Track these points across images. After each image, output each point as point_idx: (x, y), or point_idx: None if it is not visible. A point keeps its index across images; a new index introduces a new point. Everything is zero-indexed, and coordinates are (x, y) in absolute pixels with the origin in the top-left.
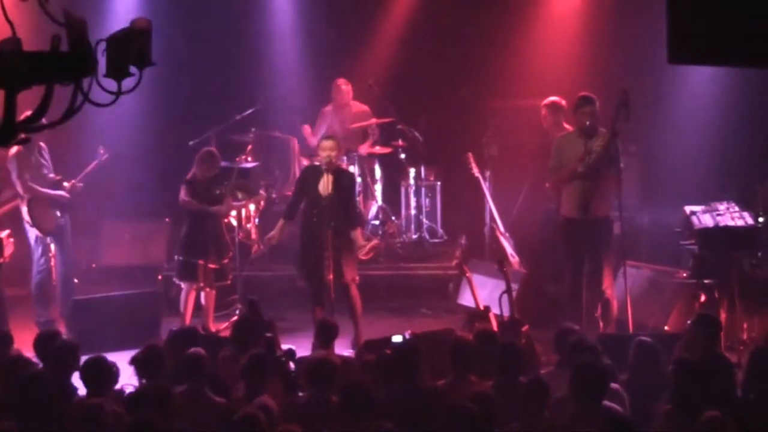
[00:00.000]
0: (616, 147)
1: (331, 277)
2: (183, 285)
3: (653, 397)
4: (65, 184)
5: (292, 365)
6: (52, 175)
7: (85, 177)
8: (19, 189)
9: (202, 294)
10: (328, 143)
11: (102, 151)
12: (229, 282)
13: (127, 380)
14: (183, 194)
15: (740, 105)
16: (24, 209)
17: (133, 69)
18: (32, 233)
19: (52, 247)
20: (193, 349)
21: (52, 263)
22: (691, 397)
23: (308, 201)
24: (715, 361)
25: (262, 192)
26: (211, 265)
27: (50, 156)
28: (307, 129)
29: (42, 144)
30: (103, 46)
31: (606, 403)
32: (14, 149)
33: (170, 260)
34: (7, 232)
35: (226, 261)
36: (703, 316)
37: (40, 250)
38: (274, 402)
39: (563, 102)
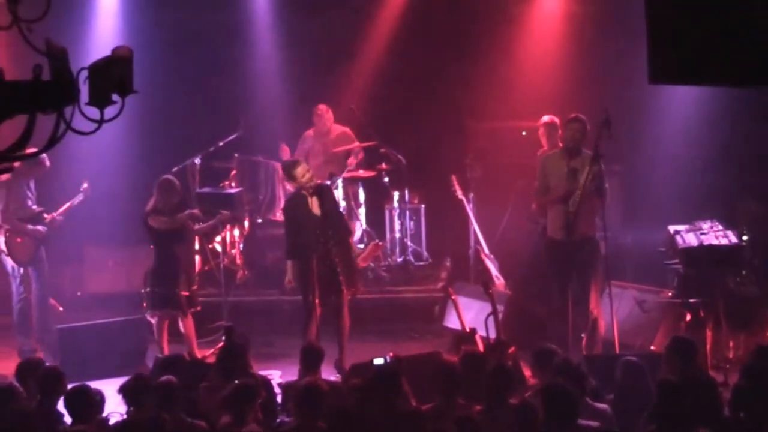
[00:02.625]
0: (600, 168)
1: (345, 293)
2: (155, 316)
3: (639, 416)
4: (45, 216)
5: (276, 389)
6: (35, 207)
7: (66, 211)
8: None
9: (180, 323)
10: (303, 168)
11: (86, 186)
12: (199, 308)
13: (113, 408)
14: (163, 222)
15: (722, 124)
16: (1, 239)
17: (115, 97)
18: (8, 263)
19: (31, 274)
20: (165, 377)
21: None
22: (673, 417)
23: (308, 228)
24: (697, 381)
25: (223, 212)
26: (183, 293)
27: (34, 184)
28: (285, 150)
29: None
30: (84, 74)
31: (582, 422)
32: (2, 178)
33: None
34: None
35: (194, 287)
36: (676, 339)
37: (18, 279)
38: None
39: (558, 120)
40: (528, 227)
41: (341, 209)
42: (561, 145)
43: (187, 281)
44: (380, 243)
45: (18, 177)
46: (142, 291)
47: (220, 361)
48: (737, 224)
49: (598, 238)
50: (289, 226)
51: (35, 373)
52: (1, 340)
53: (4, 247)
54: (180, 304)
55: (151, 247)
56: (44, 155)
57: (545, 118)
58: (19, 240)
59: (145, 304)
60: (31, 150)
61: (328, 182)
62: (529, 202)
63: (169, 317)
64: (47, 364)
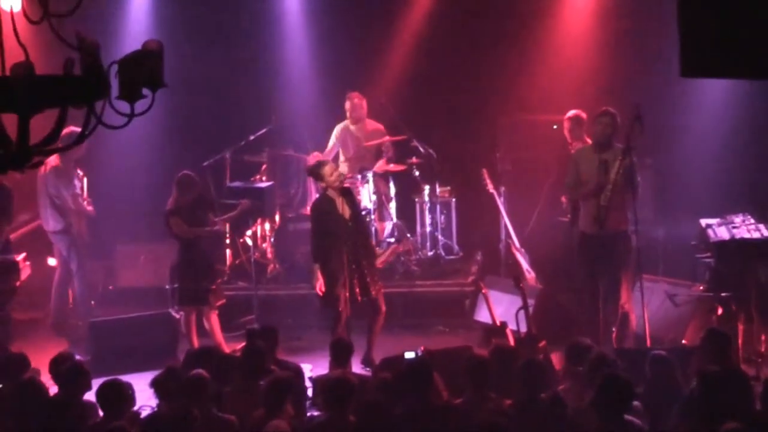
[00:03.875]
0: (632, 161)
1: (373, 292)
2: (182, 311)
3: (669, 410)
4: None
5: (307, 383)
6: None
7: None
8: (69, 201)
9: (204, 319)
10: (331, 167)
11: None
12: (224, 301)
13: (144, 402)
14: (179, 226)
15: (753, 117)
16: (70, 221)
17: (145, 91)
18: (69, 244)
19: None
20: (196, 371)
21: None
22: (712, 408)
23: (337, 229)
24: (731, 374)
25: (243, 201)
26: (211, 287)
27: None
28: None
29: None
30: (115, 68)
31: (627, 417)
32: (54, 164)
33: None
34: (23, 255)
35: (220, 281)
36: (711, 331)
37: (79, 259)
38: (287, 424)
39: (584, 115)
40: (558, 220)
41: (372, 203)
42: (587, 139)
43: (213, 275)
44: (400, 247)
45: (69, 160)
46: (168, 287)
47: (243, 363)
48: None
49: (629, 232)
50: (316, 229)
51: (62, 367)
52: (32, 334)
53: (75, 229)
54: (207, 298)
55: (175, 242)
56: None
57: (570, 113)
58: (82, 221)
59: (172, 300)
60: (68, 130)
61: (359, 177)
62: (560, 196)
63: (196, 311)
64: (77, 357)
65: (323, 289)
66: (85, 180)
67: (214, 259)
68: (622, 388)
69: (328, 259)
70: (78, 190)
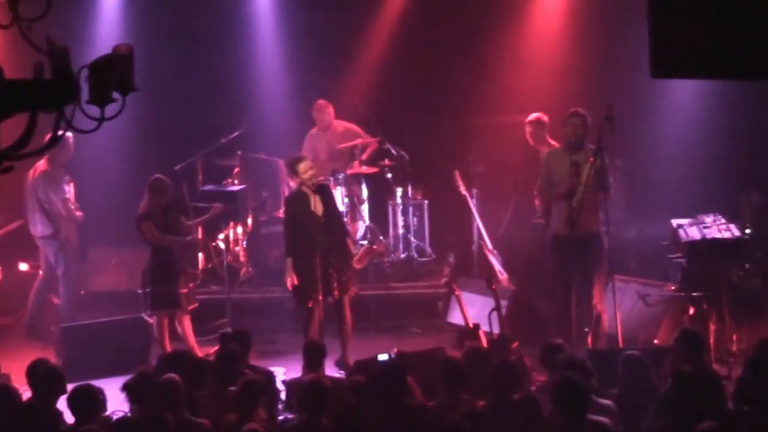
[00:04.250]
0: (603, 162)
1: (336, 293)
2: (155, 316)
3: (643, 410)
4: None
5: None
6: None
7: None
8: (58, 206)
9: (177, 322)
10: (306, 164)
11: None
12: (196, 305)
13: (116, 407)
14: (151, 232)
15: (723, 117)
16: (59, 226)
17: (115, 95)
18: (55, 248)
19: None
20: (168, 375)
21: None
22: (686, 408)
23: (308, 226)
24: (704, 374)
25: (216, 204)
26: (183, 290)
27: None
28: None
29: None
30: (85, 72)
31: (591, 417)
32: (43, 168)
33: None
34: None
35: (192, 285)
36: (685, 332)
37: (66, 264)
38: (261, 428)
39: (545, 117)
40: (531, 222)
41: (345, 205)
42: (550, 141)
43: (185, 279)
44: (375, 247)
45: (58, 165)
46: (141, 291)
47: (216, 367)
48: (740, 217)
49: (601, 233)
50: (289, 224)
51: (37, 372)
52: (3, 339)
53: (63, 235)
54: (179, 302)
55: (148, 246)
56: (69, 136)
57: (532, 116)
58: (71, 225)
59: (144, 304)
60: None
61: (331, 179)
62: (532, 198)
63: (168, 315)
64: (52, 363)
65: (295, 283)
66: (72, 185)
67: (186, 263)
68: (575, 391)
69: (300, 255)
70: (67, 195)
